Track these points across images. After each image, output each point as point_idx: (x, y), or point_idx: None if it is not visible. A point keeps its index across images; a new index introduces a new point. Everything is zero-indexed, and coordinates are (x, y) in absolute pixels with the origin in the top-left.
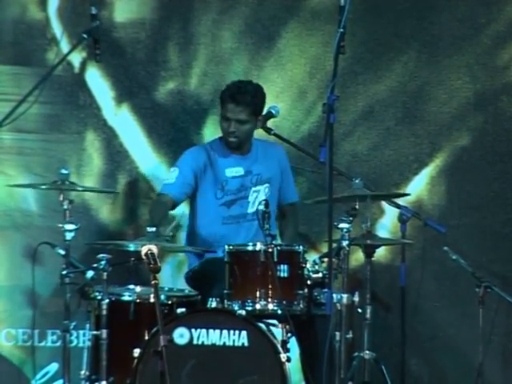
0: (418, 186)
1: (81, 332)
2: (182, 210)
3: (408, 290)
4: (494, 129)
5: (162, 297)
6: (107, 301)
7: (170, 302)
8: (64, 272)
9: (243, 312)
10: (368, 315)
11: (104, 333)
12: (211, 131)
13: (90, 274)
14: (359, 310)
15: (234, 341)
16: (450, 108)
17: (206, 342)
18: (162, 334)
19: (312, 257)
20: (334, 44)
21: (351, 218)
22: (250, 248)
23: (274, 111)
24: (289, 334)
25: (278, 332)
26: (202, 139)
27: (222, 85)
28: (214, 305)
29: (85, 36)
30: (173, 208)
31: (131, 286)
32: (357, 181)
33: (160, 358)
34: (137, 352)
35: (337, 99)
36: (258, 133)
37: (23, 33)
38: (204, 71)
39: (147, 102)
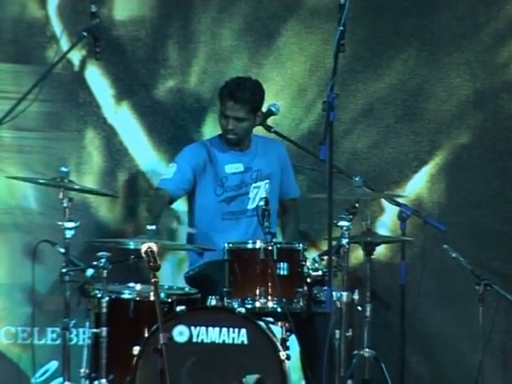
0: (418, 184)
1: (80, 330)
2: (183, 206)
3: (408, 287)
4: (493, 127)
5: (162, 295)
6: (107, 299)
7: (169, 300)
8: (64, 270)
9: (243, 310)
10: (368, 313)
11: (104, 331)
12: (211, 129)
13: (89, 271)
14: (359, 308)
15: (233, 339)
16: (450, 106)
17: (205, 340)
18: (161, 332)
19: (312, 255)
20: (333, 42)
21: (351, 216)
22: (249, 246)
23: (274, 109)
24: (288, 332)
25: (278, 330)
26: (202, 137)
27: (221, 83)
28: (213, 303)
29: (85, 34)
30: (170, 203)
31: (131, 284)
32: (356, 179)
33: (160, 355)
34: (136, 350)
35: (336, 97)
36: (258, 129)
37: (23, 31)
38: (204, 69)
39: (147, 100)
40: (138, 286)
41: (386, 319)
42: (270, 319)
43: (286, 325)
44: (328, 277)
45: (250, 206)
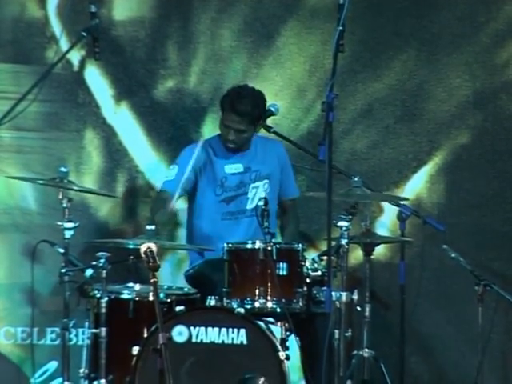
0: (417, 185)
1: (80, 330)
2: (182, 206)
3: (407, 288)
4: (493, 127)
5: (161, 295)
6: (106, 299)
7: (169, 300)
8: (63, 270)
9: (242, 310)
10: (367, 313)
11: (103, 331)
12: (210, 129)
13: (89, 272)
14: (358, 308)
15: (232, 339)
16: (450, 106)
17: (204, 340)
18: (161, 332)
19: (311, 255)
20: (333, 42)
21: (350, 216)
22: (249, 246)
23: (273, 109)
24: (288, 332)
25: (277, 330)
26: (201, 137)
27: (221, 83)
28: (212, 303)
29: (84, 34)
30: None
31: (130, 284)
32: (356, 179)
33: (159, 355)
34: (136, 350)
35: (336, 97)
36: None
37: (22, 31)
38: (203, 69)
39: (146, 101)
40: (138, 286)
41: (386, 319)
42: (271, 319)
43: (286, 325)
44: (327, 277)
45: (249, 206)
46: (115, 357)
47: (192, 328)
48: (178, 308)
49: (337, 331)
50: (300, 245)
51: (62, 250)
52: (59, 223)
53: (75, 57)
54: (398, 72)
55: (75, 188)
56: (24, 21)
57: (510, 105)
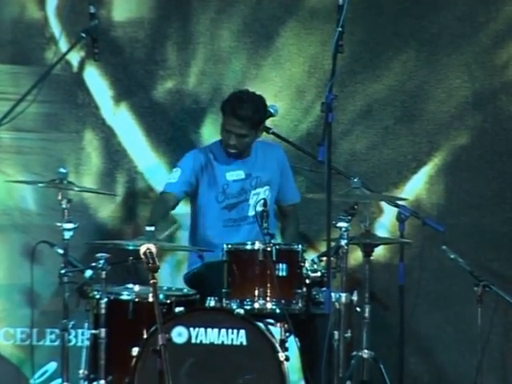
0: (417, 185)
1: (79, 331)
2: (183, 210)
3: (406, 288)
4: (492, 128)
5: (161, 296)
6: (106, 300)
7: (168, 301)
8: (63, 271)
9: (242, 311)
10: (367, 314)
11: (103, 332)
12: (209, 130)
13: (88, 273)
14: (358, 309)
15: (232, 340)
16: (449, 107)
17: (204, 341)
18: (160, 333)
19: (311, 256)
20: (332, 43)
21: (350, 217)
22: (248, 247)
23: (272, 110)
24: (287, 333)
25: (277, 331)
26: (201, 138)
27: (220, 84)
28: (212, 304)
29: (83, 35)
30: (174, 207)
31: (130, 285)
32: (355, 180)
33: (159, 356)
34: (135, 351)
35: (335, 98)
36: None
37: (22, 32)
38: (202, 70)
39: (146, 101)
40: (137, 287)
41: (385, 320)
42: (272, 321)
43: (285, 326)
44: (327, 278)
45: (251, 212)
46: (115, 358)
47: (191, 329)
48: (178, 309)
49: (336, 332)
50: (299, 246)
51: (61, 251)
52: (59, 224)
53: (74, 58)
54: (397, 73)
55: (75, 189)
56: (23, 22)
57: (509, 105)
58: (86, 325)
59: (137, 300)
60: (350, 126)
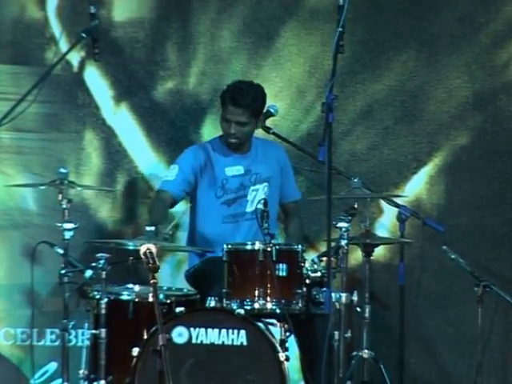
0: (417, 186)
1: (80, 331)
2: (183, 208)
3: (407, 289)
4: (492, 128)
5: (161, 296)
6: (106, 300)
7: (168, 301)
8: (63, 271)
9: (242, 311)
10: (367, 314)
11: (103, 332)
12: (210, 130)
13: (88, 273)
14: (358, 309)
15: (232, 340)
16: (449, 107)
17: (204, 341)
18: (160, 333)
19: (311, 256)
20: (332, 43)
21: (350, 217)
22: (248, 247)
23: (272, 110)
24: (287, 333)
25: (277, 331)
26: (201, 138)
27: (220, 84)
28: (212, 304)
29: (83, 35)
30: (172, 205)
31: (130, 285)
32: (355, 180)
33: (159, 356)
34: (136, 351)
35: (335, 98)
36: (258, 131)
37: (22, 32)
38: (203, 70)
39: (146, 102)
40: (137, 288)
41: (385, 320)
42: (272, 321)
43: (285, 326)
44: (327, 278)
45: (249, 208)
46: (115, 358)
47: (192, 329)
48: (178, 309)
49: (336, 332)
50: (299, 246)
51: (61, 251)
52: (59, 224)
53: (75, 58)
54: (397, 73)
55: (77, 188)
56: (24, 22)
57: (509, 106)
58: (86, 325)
59: (137, 300)
60: (351, 126)
